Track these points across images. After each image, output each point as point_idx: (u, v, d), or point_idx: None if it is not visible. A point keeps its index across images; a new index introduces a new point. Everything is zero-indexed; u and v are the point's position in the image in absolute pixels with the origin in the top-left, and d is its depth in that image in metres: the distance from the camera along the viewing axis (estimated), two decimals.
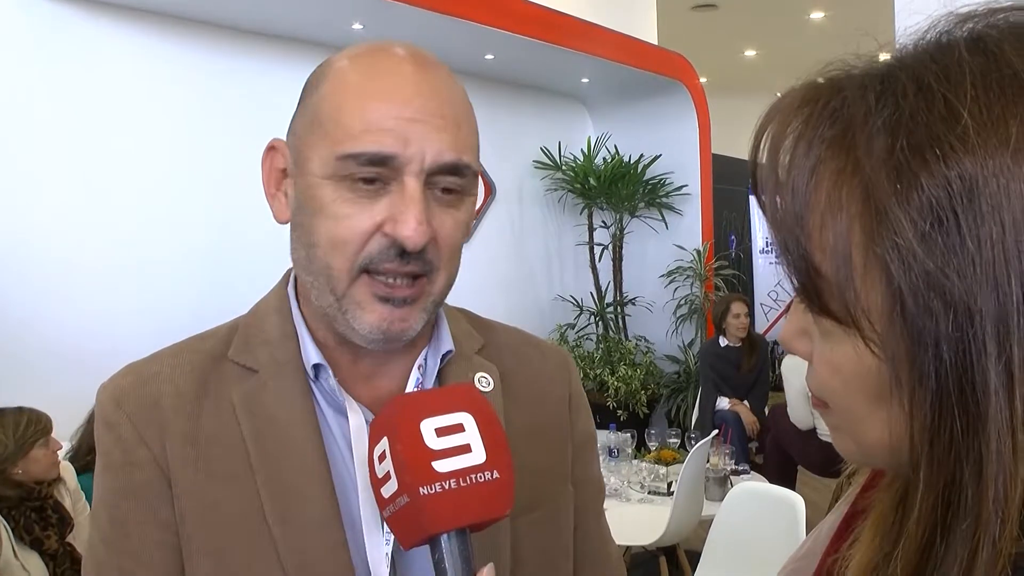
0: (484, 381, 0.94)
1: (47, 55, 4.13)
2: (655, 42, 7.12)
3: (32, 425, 2.95)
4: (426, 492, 0.67)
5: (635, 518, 4.01)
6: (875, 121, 0.48)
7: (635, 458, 4.79)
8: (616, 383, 6.44)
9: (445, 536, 0.69)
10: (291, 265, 0.95)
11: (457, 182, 0.83)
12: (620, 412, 6.42)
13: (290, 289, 0.93)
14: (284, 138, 0.89)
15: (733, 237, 8.16)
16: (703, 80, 7.29)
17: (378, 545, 0.84)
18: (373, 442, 0.72)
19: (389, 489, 0.70)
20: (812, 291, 0.52)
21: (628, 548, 4.04)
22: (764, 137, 0.55)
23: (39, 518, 2.95)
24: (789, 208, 0.52)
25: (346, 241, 0.80)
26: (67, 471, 3.12)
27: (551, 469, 0.98)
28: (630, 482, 4.47)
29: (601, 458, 4.64)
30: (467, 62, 5.97)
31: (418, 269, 0.82)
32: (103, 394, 0.88)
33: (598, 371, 6.63)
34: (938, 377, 0.46)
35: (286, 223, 0.88)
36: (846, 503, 0.77)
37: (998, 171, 0.44)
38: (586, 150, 7.07)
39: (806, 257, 0.51)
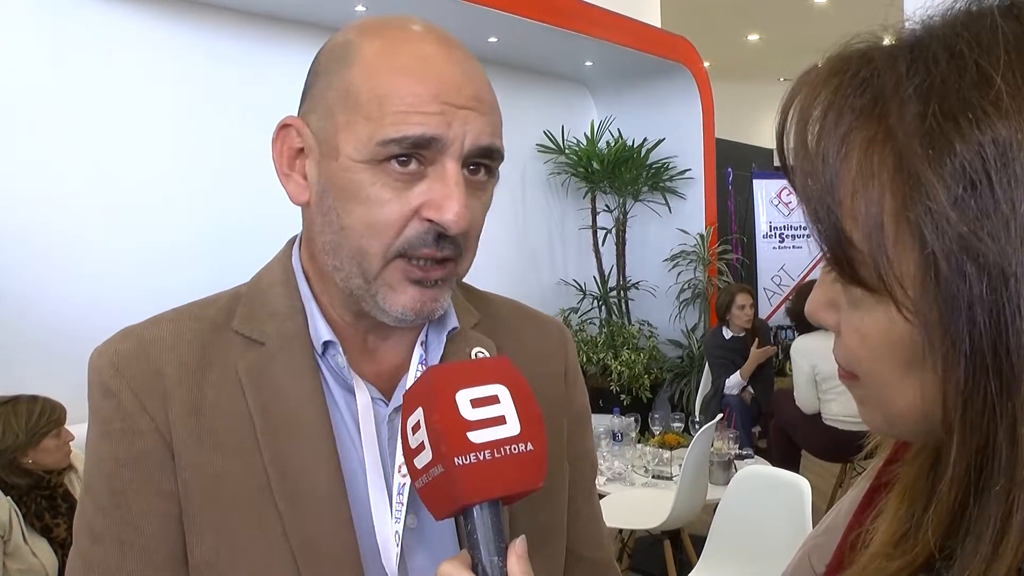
0: (480, 355, 0.94)
1: (49, 38, 4.11)
2: (658, 25, 7.09)
3: (45, 415, 2.94)
4: (461, 463, 0.68)
5: (639, 502, 4.02)
6: (906, 88, 0.49)
7: (639, 442, 4.80)
8: (619, 367, 6.44)
9: (478, 507, 0.69)
10: (291, 235, 0.95)
11: (490, 164, 0.83)
12: (623, 396, 6.43)
13: (295, 261, 0.92)
14: (293, 115, 0.87)
15: (732, 204, 8.12)
16: (705, 65, 7.26)
17: (386, 524, 0.84)
18: (407, 412, 0.72)
19: (423, 460, 0.70)
20: (843, 260, 0.52)
21: (632, 532, 4.05)
22: (792, 109, 0.55)
23: (49, 506, 2.96)
24: (819, 178, 0.52)
25: (384, 226, 0.79)
26: (79, 459, 3.11)
27: (549, 442, 0.98)
28: (634, 466, 4.48)
29: (605, 442, 4.64)
30: (470, 44, 5.73)
31: (451, 253, 0.82)
32: (100, 360, 0.85)
33: (601, 355, 6.62)
34: (972, 340, 0.46)
35: (303, 204, 0.87)
36: (867, 478, 0.77)
37: None
38: (589, 134, 7.05)
39: (837, 226, 0.52)
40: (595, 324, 7.15)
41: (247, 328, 0.87)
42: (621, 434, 4.74)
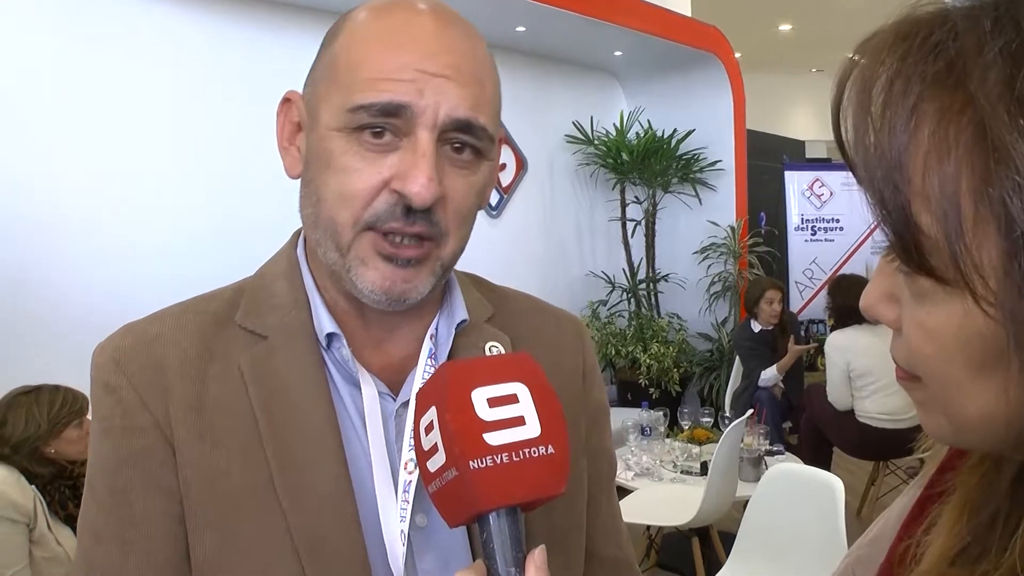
0: (495, 351, 0.90)
1: (66, 33, 4.12)
2: (689, 14, 7.00)
3: (67, 405, 2.93)
4: (476, 466, 0.63)
5: (667, 498, 3.97)
6: (991, 49, 0.43)
7: (668, 437, 4.74)
8: (648, 360, 6.39)
9: (494, 514, 0.64)
10: (299, 226, 0.92)
11: (471, 141, 0.79)
12: (652, 390, 6.38)
13: (299, 252, 0.90)
14: (296, 91, 0.87)
15: (763, 214, 8.04)
16: (736, 55, 7.16)
17: (393, 522, 0.81)
18: (420, 412, 0.68)
19: (436, 462, 0.66)
20: (911, 247, 0.46)
21: (660, 529, 3.99)
22: (851, 80, 0.49)
23: (72, 495, 2.95)
24: (885, 154, 0.46)
25: (353, 196, 0.77)
26: None
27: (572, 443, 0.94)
28: (662, 461, 4.43)
29: (633, 437, 4.60)
30: (498, 34, 5.90)
31: (424, 230, 0.78)
32: (101, 355, 0.83)
33: (630, 348, 6.57)
34: None
35: (297, 178, 0.86)
36: (918, 486, 0.71)
37: None
38: (619, 124, 6.98)
39: (905, 208, 0.46)
40: (624, 317, 7.10)
41: (250, 322, 0.85)
42: (650, 428, 4.69)
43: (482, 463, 0.63)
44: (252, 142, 4.48)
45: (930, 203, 0.44)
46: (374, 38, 0.78)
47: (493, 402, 0.65)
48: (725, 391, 6.07)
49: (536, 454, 0.65)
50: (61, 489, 2.93)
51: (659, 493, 4.06)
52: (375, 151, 0.77)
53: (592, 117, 6.93)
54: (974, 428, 0.50)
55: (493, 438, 0.64)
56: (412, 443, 0.72)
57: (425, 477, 0.67)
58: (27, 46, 3.97)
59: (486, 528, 0.65)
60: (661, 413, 4.85)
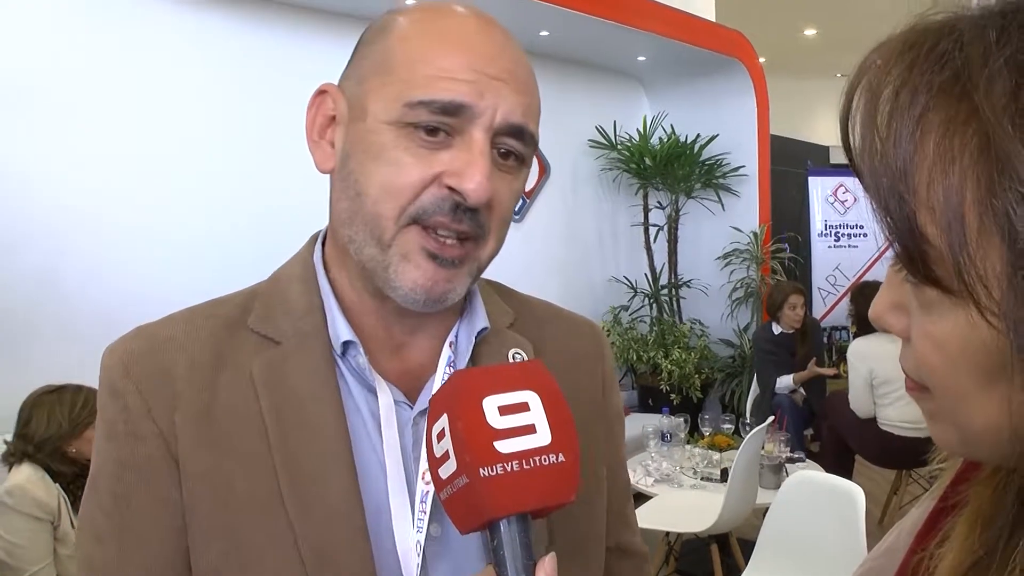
0: (518, 357, 0.90)
1: (98, 36, 4.17)
2: (713, 19, 6.98)
3: (88, 406, 2.96)
4: (487, 474, 0.63)
5: (687, 504, 3.95)
6: (996, 60, 0.43)
7: (688, 443, 4.73)
8: (670, 366, 6.37)
9: (505, 521, 0.65)
10: (316, 230, 0.92)
11: (519, 148, 0.80)
12: (673, 396, 6.37)
13: (317, 257, 0.89)
14: (331, 83, 0.86)
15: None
16: (760, 60, 7.12)
17: (407, 532, 0.80)
18: (432, 419, 0.68)
19: (447, 470, 0.66)
20: (916, 256, 0.47)
21: (680, 535, 3.98)
22: (859, 88, 0.50)
23: None
24: (891, 164, 0.47)
25: (401, 189, 0.76)
26: None
27: (585, 449, 0.94)
28: (682, 468, 4.41)
29: (653, 442, 4.58)
30: (522, 38, 5.73)
31: (469, 229, 0.78)
32: (110, 357, 0.83)
33: (651, 354, 6.56)
34: None
35: (327, 172, 0.84)
36: (932, 497, 0.71)
37: None
38: (642, 129, 6.97)
39: (911, 218, 0.46)
40: (646, 322, 7.08)
41: (263, 326, 0.84)
42: (670, 434, 4.67)
43: (493, 471, 0.63)
44: (274, 147, 4.53)
45: (935, 214, 0.44)
46: (434, 37, 0.78)
47: (504, 410, 0.66)
48: (746, 398, 6.04)
49: (547, 462, 0.65)
50: (84, 488, 2.96)
51: (678, 499, 4.05)
52: (427, 147, 0.76)
53: (615, 122, 6.92)
54: (981, 440, 0.49)
55: (504, 446, 0.64)
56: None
57: (436, 484, 0.68)
58: (55, 49, 4.02)
59: (496, 535, 0.65)
60: (682, 419, 4.83)
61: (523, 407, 0.66)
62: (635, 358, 6.62)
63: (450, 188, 0.76)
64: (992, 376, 0.46)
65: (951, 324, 0.47)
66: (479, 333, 0.89)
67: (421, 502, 0.80)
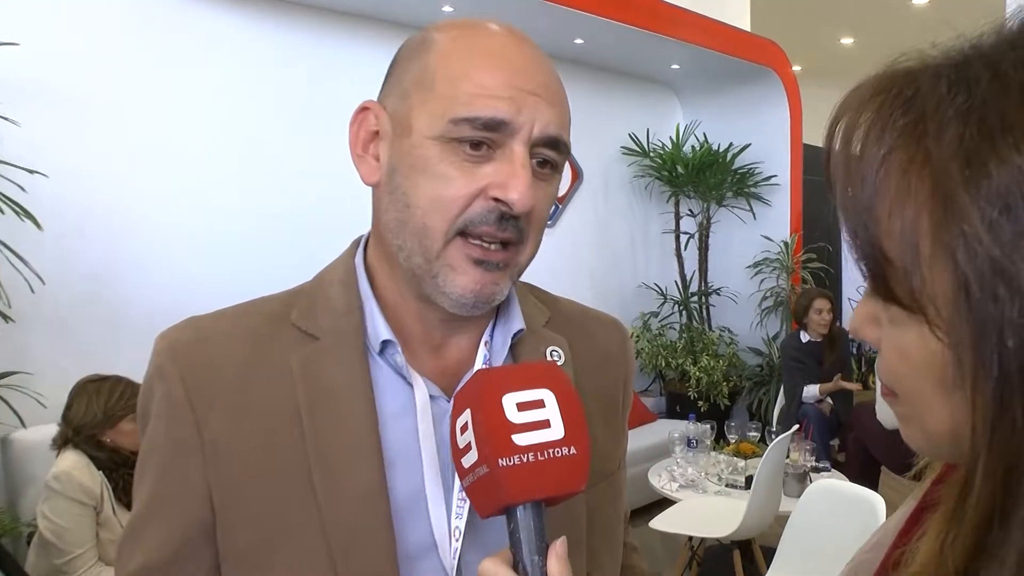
0: (556, 354, 0.94)
1: (146, 39, 4.29)
2: (748, 28, 6.99)
3: (124, 399, 3.05)
4: (505, 464, 0.69)
5: (711, 510, 3.99)
6: (947, 110, 0.49)
7: (714, 450, 4.75)
8: (698, 373, 6.39)
9: (521, 508, 0.71)
10: (358, 236, 0.97)
11: (554, 157, 0.85)
12: (701, 403, 6.38)
13: (358, 260, 0.94)
14: (372, 99, 0.90)
15: None
16: (796, 68, 7.11)
17: (443, 519, 0.85)
18: (456, 413, 0.74)
19: (469, 459, 0.72)
20: (880, 278, 0.53)
21: (702, 541, 4.02)
22: (838, 126, 0.56)
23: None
24: (859, 196, 0.53)
25: (450, 202, 0.81)
26: None
27: (612, 440, 1.01)
28: (708, 474, 4.45)
29: (679, 448, 4.61)
30: (556, 46, 5.96)
31: (512, 236, 0.83)
32: (161, 343, 0.89)
33: (680, 360, 6.58)
34: (1001, 364, 0.46)
35: (373, 184, 0.89)
36: (915, 498, 0.77)
37: None
38: (674, 137, 7.00)
39: (874, 244, 0.52)
40: (675, 329, 7.10)
41: (305, 322, 0.89)
42: (696, 440, 4.70)
43: (510, 461, 0.70)
44: (315, 150, 4.64)
45: (894, 241, 0.50)
46: (473, 54, 0.82)
47: (522, 406, 0.72)
48: (774, 406, 6.04)
49: (559, 454, 0.71)
50: (124, 477, 3.06)
51: (703, 505, 4.08)
52: (471, 161, 0.81)
53: (648, 129, 6.95)
54: (941, 441, 0.55)
55: (521, 439, 0.70)
56: None
57: (460, 472, 0.74)
58: (107, 54, 4.15)
59: (513, 519, 0.71)
60: (708, 426, 4.86)
61: (539, 404, 0.73)
62: (664, 364, 6.64)
63: (495, 199, 0.81)
64: (944, 385, 0.51)
65: (912, 337, 0.53)
66: (516, 334, 0.93)
67: (460, 491, 0.85)
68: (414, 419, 0.87)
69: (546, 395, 0.74)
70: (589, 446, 0.74)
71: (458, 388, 0.82)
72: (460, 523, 0.85)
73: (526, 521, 0.71)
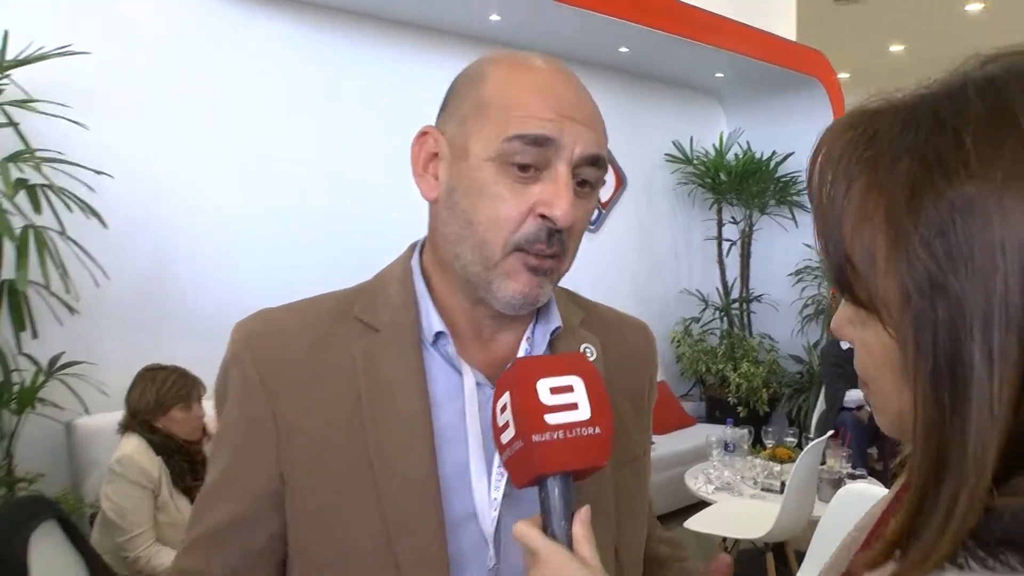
0: (589, 351, 1.05)
1: (198, 45, 4.47)
2: (793, 37, 7.01)
3: (175, 388, 3.23)
4: (538, 439, 0.80)
5: (745, 512, 4.05)
6: (899, 146, 0.58)
7: (750, 454, 4.81)
8: (738, 379, 6.44)
9: (551, 478, 0.81)
10: (414, 240, 1.08)
11: (594, 174, 0.95)
12: (740, 408, 6.43)
13: (414, 262, 1.04)
14: (431, 124, 1.00)
15: None
16: (844, 76, 7.11)
17: (484, 492, 0.96)
18: (497, 396, 0.85)
19: (507, 436, 0.83)
20: (846, 284, 0.62)
21: (736, 543, 4.08)
22: (819, 155, 0.65)
23: (191, 469, 3.26)
24: (830, 216, 0.62)
25: (505, 220, 0.91)
26: None
27: (639, 432, 1.12)
28: (743, 477, 4.51)
29: (716, 451, 4.68)
30: (601, 54, 6.05)
31: (558, 249, 0.94)
32: (237, 332, 1.00)
33: (720, 366, 6.64)
34: (935, 357, 0.55)
35: (432, 200, 0.99)
36: (902, 478, 0.85)
37: (989, 194, 0.53)
38: (718, 144, 7.06)
39: (841, 256, 0.62)
40: (716, 335, 7.15)
41: (366, 315, 0.99)
42: (733, 444, 4.76)
43: (543, 437, 0.80)
44: (375, 154, 4.79)
45: (856, 254, 0.60)
46: (523, 86, 0.93)
47: (554, 390, 0.82)
48: (813, 413, 6.07)
49: (586, 433, 0.82)
50: (180, 463, 3.23)
51: (737, 507, 4.14)
52: (521, 182, 0.91)
53: (692, 137, 7.02)
54: (902, 425, 0.65)
55: (552, 418, 0.81)
56: None
57: (499, 447, 0.85)
58: (169, 62, 4.33)
59: (544, 489, 0.82)
60: (745, 431, 4.91)
61: (569, 389, 0.83)
62: (704, 370, 6.71)
63: (542, 216, 0.91)
64: (897, 375, 0.60)
65: (872, 335, 0.62)
66: (554, 331, 1.04)
67: (499, 467, 0.95)
68: (462, 403, 0.97)
69: (575, 381, 0.84)
70: (612, 427, 0.84)
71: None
72: (498, 495, 0.95)
73: (555, 490, 0.81)
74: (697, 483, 4.50)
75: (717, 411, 6.69)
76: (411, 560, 0.92)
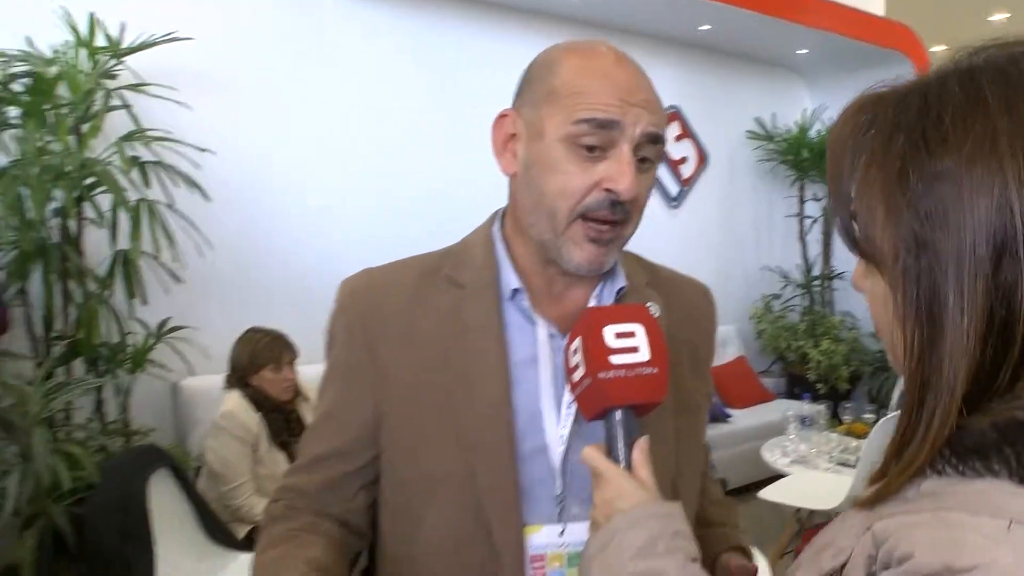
0: (653, 308, 1.15)
1: (294, 28, 4.68)
2: (882, 10, 6.88)
3: (266, 350, 3.47)
4: (604, 376, 0.93)
5: (820, 484, 4.08)
6: (893, 126, 0.69)
7: (827, 429, 4.83)
8: (818, 356, 6.43)
9: (614, 411, 0.94)
10: (496, 209, 1.21)
11: (653, 151, 1.07)
12: (820, 385, 6.43)
13: (495, 228, 1.17)
14: (509, 107, 1.13)
15: None
16: (940, 48, 6.93)
17: (554, 429, 1.09)
18: (570, 340, 0.98)
19: (578, 374, 0.96)
20: (854, 243, 0.73)
21: (811, 513, 4.14)
22: (833, 134, 0.76)
23: (287, 426, 3.49)
24: (840, 185, 0.73)
25: (572, 192, 1.03)
26: (312, 391, 3.59)
27: (700, 382, 1.24)
28: (819, 451, 4.54)
29: (792, 425, 4.72)
30: (682, 32, 6.07)
31: (620, 217, 1.05)
32: (344, 288, 1.17)
33: (800, 343, 6.64)
34: (918, 299, 0.66)
35: (511, 175, 1.12)
36: None
37: (960, 163, 0.63)
38: (800, 121, 7.01)
39: (849, 219, 0.72)
40: (796, 312, 7.13)
41: (453, 274, 1.14)
42: (810, 420, 4.79)
43: (608, 375, 0.93)
44: (459, 130, 4.94)
45: (860, 216, 0.71)
46: (589, 75, 1.04)
47: (619, 336, 0.95)
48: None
49: (645, 372, 0.94)
50: (277, 421, 3.46)
51: (812, 480, 4.19)
52: (588, 160, 1.03)
53: (774, 113, 6.99)
54: (898, 361, 0.73)
55: (616, 359, 0.93)
56: None
57: (571, 385, 0.98)
58: (268, 45, 4.55)
59: (609, 420, 0.94)
60: (823, 406, 4.94)
61: (631, 335, 0.95)
62: (784, 346, 6.72)
63: (607, 190, 1.03)
64: (895, 318, 0.70)
65: (877, 285, 0.73)
66: (620, 290, 1.15)
67: (567, 407, 1.09)
68: (535, 350, 1.11)
69: (637, 328, 0.96)
70: (668, 369, 0.96)
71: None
72: (565, 432, 1.09)
73: (619, 421, 0.94)
74: (773, 456, 4.55)
75: (796, 387, 6.69)
76: (487, 486, 1.07)
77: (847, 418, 4.89)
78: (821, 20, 6.05)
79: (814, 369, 6.47)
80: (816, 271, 7.18)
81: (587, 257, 1.07)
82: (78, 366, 3.55)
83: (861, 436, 4.60)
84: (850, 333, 6.80)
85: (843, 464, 4.36)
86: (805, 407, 4.90)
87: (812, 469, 4.35)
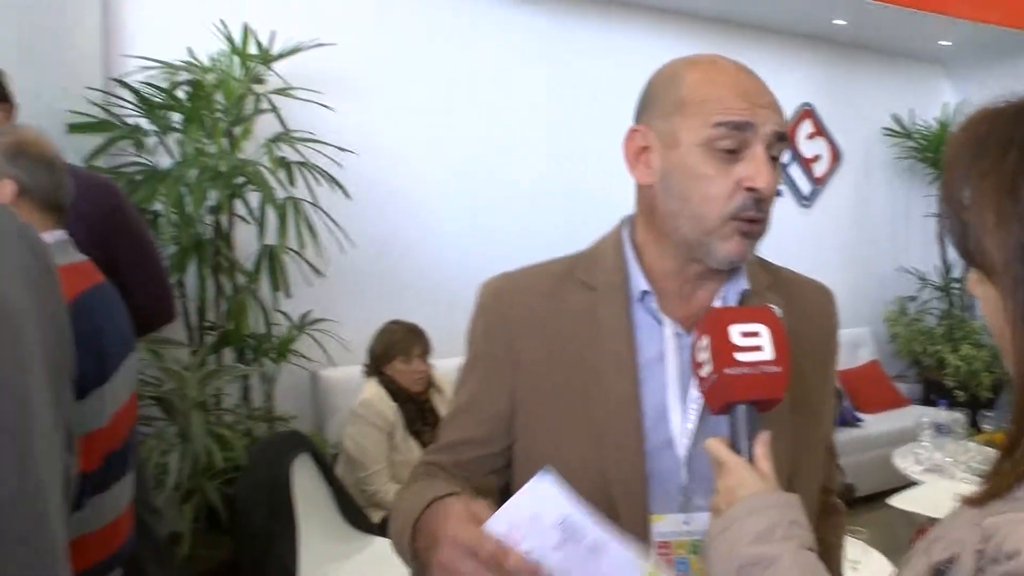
0: (775, 311, 1.17)
1: (429, 35, 4.83)
2: None
3: (398, 342, 3.62)
4: (729, 372, 0.97)
5: (954, 495, 3.94)
6: (1008, 139, 0.73)
7: (966, 438, 4.65)
8: (957, 362, 6.18)
9: (738, 406, 0.99)
10: (624, 215, 1.26)
11: (780, 148, 1.12)
12: (958, 392, 6.17)
13: (625, 234, 1.22)
14: (635, 123, 1.18)
15: None
16: None
17: (679, 422, 1.13)
18: (697, 337, 1.03)
19: (705, 370, 1.01)
20: (966, 251, 0.77)
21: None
22: (949, 148, 0.80)
23: (420, 416, 3.63)
24: (954, 196, 0.77)
25: (716, 196, 1.08)
26: (447, 383, 3.72)
27: (821, 381, 1.27)
28: (956, 461, 4.37)
29: (927, 432, 4.56)
30: (816, 26, 5.94)
31: (764, 214, 1.11)
32: (486, 288, 1.25)
33: (938, 347, 6.39)
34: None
35: (648, 185, 1.16)
36: None
37: None
38: (941, 116, 6.74)
39: (962, 229, 0.76)
40: (934, 315, 6.86)
41: (586, 276, 1.20)
42: (946, 427, 4.62)
43: (733, 371, 0.97)
44: (593, 140, 4.98)
45: (973, 226, 0.74)
46: (717, 83, 1.10)
47: (744, 335, 0.99)
48: None
49: (768, 370, 0.98)
50: (411, 410, 3.61)
51: (945, 490, 4.04)
52: (725, 162, 1.07)
53: (912, 109, 6.75)
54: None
55: (741, 357, 0.98)
56: None
57: (698, 380, 1.03)
58: (406, 51, 4.72)
59: (733, 414, 0.99)
60: (961, 414, 4.75)
61: (756, 334, 1.00)
62: (920, 351, 6.48)
63: (749, 189, 1.07)
64: (1005, 324, 0.74)
65: (988, 290, 0.76)
66: (743, 292, 1.18)
67: (693, 403, 1.13)
68: (662, 349, 1.16)
69: (761, 328, 1.00)
70: (790, 368, 1.00)
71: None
72: (691, 426, 1.13)
73: (742, 416, 0.99)
74: (906, 463, 4.42)
75: (932, 394, 6.44)
76: (615, 476, 1.13)
77: (988, 427, 4.68)
78: (965, 9, 5.76)
79: (952, 375, 6.22)
80: (955, 273, 6.89)
81: (736, 250, 1.10)
82: (227, 354, 3.81)
83: None
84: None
85: (981, 476, 4.17)
86: (941, 414, 4.72)
87: (947, 478, 4.20)
